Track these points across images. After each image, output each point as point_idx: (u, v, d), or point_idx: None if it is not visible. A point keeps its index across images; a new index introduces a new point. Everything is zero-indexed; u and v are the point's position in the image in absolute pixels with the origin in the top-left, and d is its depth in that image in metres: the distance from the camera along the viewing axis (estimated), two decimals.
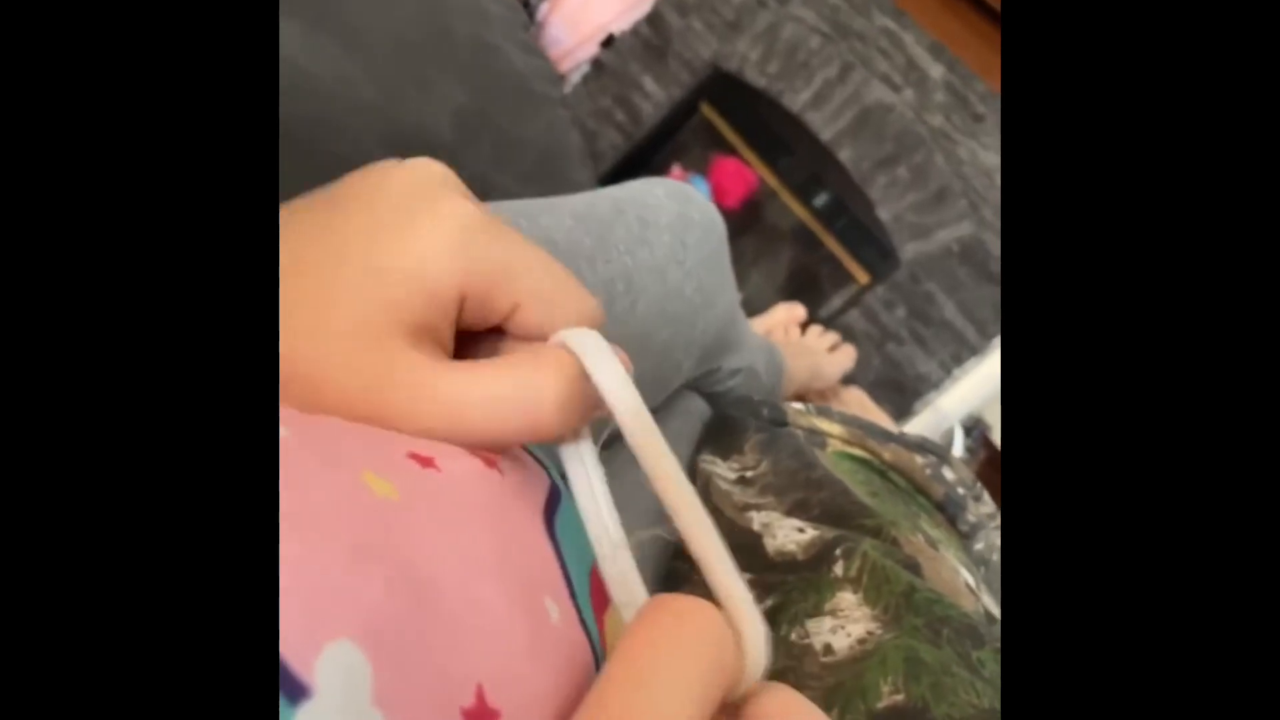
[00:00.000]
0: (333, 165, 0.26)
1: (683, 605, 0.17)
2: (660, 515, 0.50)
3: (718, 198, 1.52)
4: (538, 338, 0.24)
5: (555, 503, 0.24)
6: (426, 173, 0.23)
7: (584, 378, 0.22)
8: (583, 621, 0.21)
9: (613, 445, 0.24)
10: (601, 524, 0.22)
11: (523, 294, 0.23)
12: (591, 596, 0.23)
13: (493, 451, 0.23)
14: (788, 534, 0.47)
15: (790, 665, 0.42)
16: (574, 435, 0.23)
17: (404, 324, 0.21)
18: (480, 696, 0.16)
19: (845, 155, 1.40)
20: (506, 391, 0.21)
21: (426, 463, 0.20)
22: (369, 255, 0.22)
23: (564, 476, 0.24)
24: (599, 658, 0.21)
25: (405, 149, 0.61)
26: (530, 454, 0.25)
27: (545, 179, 0.68)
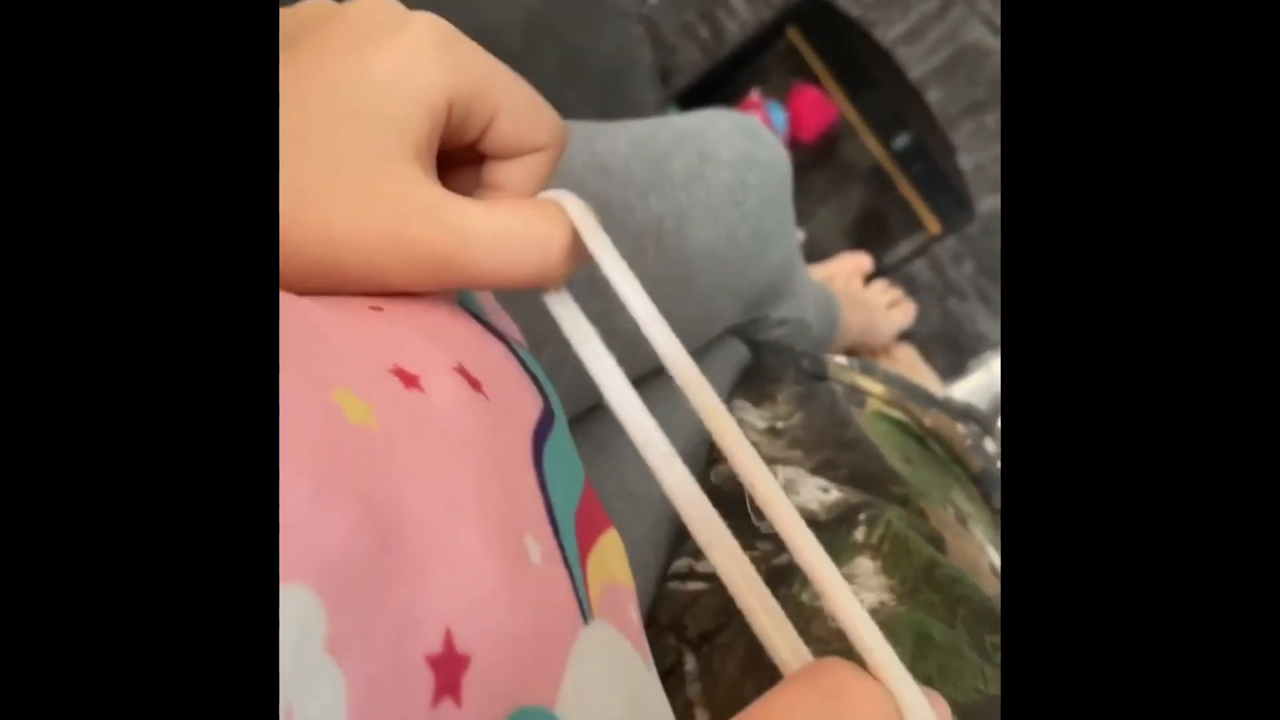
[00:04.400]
0: None
1: (839, 681, 0.18)
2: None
3: (794, 128, 1.47)
4: (510, 153, 0.24)
5: (547, 428, 0.23)
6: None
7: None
8: (566, 561, 0.20)
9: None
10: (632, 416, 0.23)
11: (500, 104, 0.23)
12: (577, 534, 0.22)
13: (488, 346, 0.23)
14: (811, 492, 0.46)
15: (799, 626, 0.41)
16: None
17: (409, 144, 0.21)
18: (449, 642, 0.16)
19: (933, 96, 1.35)
20: (518, 228, 0.22)
21: (411, 381, 0.19)
22: (359, 76, 0.21)
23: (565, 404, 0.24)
24: (581, 599, 0.20)
25: None
26: (528, 373, 0.24)
27: (610, 97, 0.65)
